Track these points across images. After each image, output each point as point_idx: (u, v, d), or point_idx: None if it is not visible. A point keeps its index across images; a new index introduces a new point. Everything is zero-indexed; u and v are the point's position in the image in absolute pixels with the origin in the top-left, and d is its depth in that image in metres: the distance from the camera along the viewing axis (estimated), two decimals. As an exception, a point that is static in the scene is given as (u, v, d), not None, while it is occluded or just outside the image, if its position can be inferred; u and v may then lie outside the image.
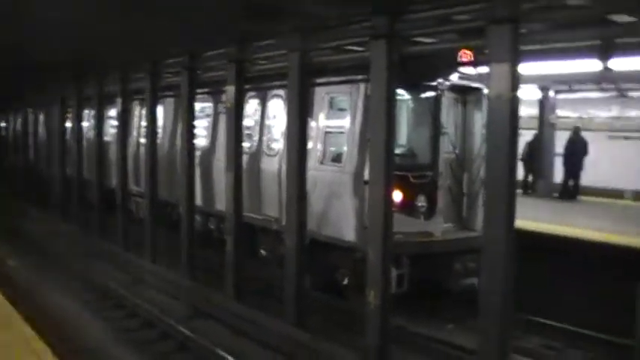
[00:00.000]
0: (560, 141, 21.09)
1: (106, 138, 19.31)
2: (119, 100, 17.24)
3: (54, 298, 14.18)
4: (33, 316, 9.59)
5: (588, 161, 20.54)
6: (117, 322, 12.62)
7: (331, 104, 12.31)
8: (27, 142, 28.19)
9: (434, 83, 11.94)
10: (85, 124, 21.12)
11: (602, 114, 25.34)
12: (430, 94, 12.10)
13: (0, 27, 12.58)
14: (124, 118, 17.36)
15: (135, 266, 15.63)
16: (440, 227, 11.90)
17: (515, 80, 7.48)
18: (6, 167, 31.94)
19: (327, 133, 12.23)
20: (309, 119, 11.40)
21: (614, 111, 24.78)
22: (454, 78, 12.13)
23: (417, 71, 10.97)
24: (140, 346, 11.27)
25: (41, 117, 26.47)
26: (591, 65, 11.83)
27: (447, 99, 12.25)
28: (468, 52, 11.11)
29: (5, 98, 29.91)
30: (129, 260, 16.08)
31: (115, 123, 18.45)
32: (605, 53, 10.68)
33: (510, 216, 7.62)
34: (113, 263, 16.48)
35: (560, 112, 22.07)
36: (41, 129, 26.54)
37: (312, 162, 11.66)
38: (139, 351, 11.03)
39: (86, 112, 21.01)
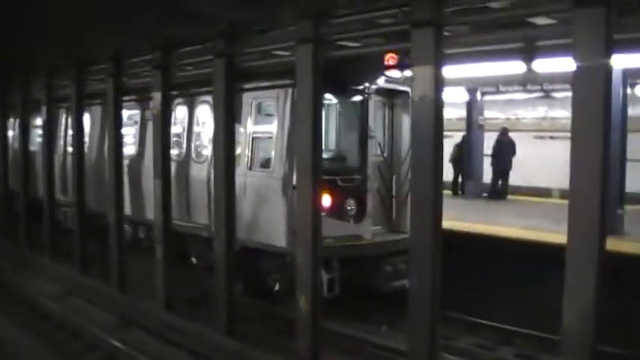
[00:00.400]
0: (489, 142, 21.48)
1: (32, 147, 18.85)
2: (44, 108, 16.82)
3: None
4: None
5: (516, 161, 20.97)
6: (44, 334, 12.29)
7: (259, 109, 12.28)
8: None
9: (361, 87, 12.01)
10: (10, 132, 20.53)
11: (529, 114, 25.97)
12: (357, 97, 12.17)
13: None
14: (50, 127, 16.95)
15: (63, 277, 15.26)
16: (369, 230, 11.98)
17: (439, 83, 7.57)
18: None
19: (255, 138, 12.18)
20: (236, 125, 11.31)
21: (540, 111, 25.41)
22: (381, 82, 12.22)
23: (344, 75, 11.04)
24: (68, 358, 11.01)
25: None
26: (516, 67, 12.10)
27: (375, 102, 12.33)
28: (394, 55, 11.24)
29: None
30: (57, 271, 15.69)
31: (40, 132, 18.01)
32: (528, 55, 10.93)
33: (437, 217, 7.70)
34: (41, 275, 16.05)
35: (487, 114, 22.49)
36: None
37: (240, 168, 11.60)
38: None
39: (11, 120, 20.44)
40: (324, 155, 10.45)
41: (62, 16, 10.56)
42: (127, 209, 14.45)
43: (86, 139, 16.11)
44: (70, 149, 16.83)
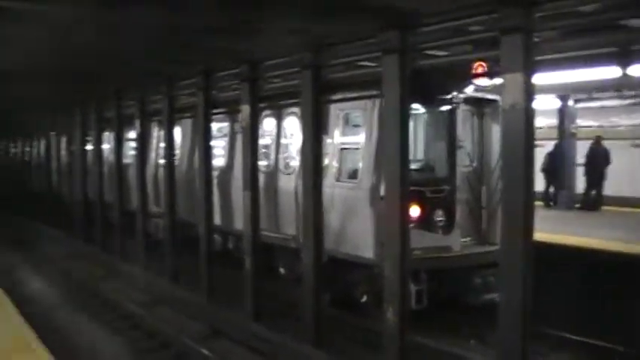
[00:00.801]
0: (582, 150, 20.85)
1: (126, 160, 19.45)
2: (137, 122, 17.34)
3: (75, 318, 14.20)
4: (51, 337, 9.60)
5: (611, 170, 20.27)
6: (135, 343, 12.57)
7: (346, 120, 12.28)
8: (49, 165, 28.37)
9: (449, 96, 11.85)
10: (105, 146, 21.23)
11: (625, 122, 25.04)
12: (445, 107, 12.02)
13: (18, 52, 12.76)
14: (143, 140, 17.43)
15: (154, 286, 15.61)
16: (458, 242, 11.78)
17: (530, 90, 7.38)
18: (30, 192, 32.12)
19: (342, 149, 12.18)
20: (324, 136, 11.35)
21: (636, 118, 24.46)
22: (469, 90, 12.03)
23: (431, 85, 10.92)
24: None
25: (63, 140, 26.66)
26: (610, 72, 11.70)
27: (463, 112, 12.15)
28: (483, 63, 11.03)
29: (29, 123, 30.23)
30: (149, 281, 16.06)
31: (134, 145, 18.58)
32: (623, 60, 10.56)
33: (528, 228, 7.50)
34: (133, 284, 16.47)
35: (580, 122, 21.84)
36: (63, 152, 26.73)
37: (328, 179, 11.63)
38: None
39: (106, 134, 21.14)
40: (412, 166, 10.35)
41: (156, 36, 10.89)
42: (217, 220, 14.67)
43: (177, 151, 16.48)
44: (161, 161, 17.25)
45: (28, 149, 33.28)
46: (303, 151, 10.93)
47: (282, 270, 14.10)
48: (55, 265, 20.36)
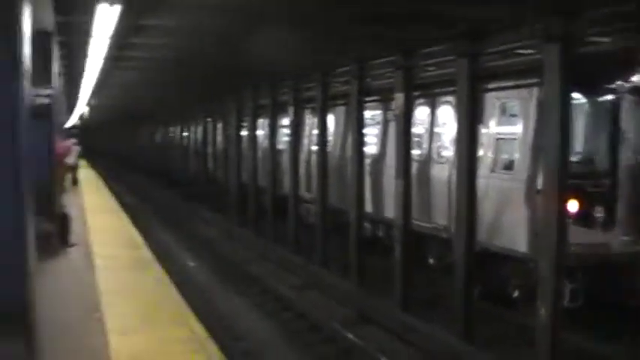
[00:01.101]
0: None
1: (279, 146, 19.94)
2: (291, 109, 17.71)
3: (227, 298, 14.73)
4: (206, 314, 10.00)
5: None
6: (285, 324, 12.88)
7: (502, 110, 11.96)
8: (205, 150, 29.52)
9: (612, 85, 11.27)
10: (259, 132, 21.83)
11: None
12: (608, 96, 11.45)
13: (180, 41, 13.35)
14: (296, 127, 17.78)
15: (303, 270, 15.91)
16: (619, 239, 11.19)
17: None
18: (187, 175, 33.55)
19: (498, 139, 11.89)
20: (479, 126, 11.13)
21: None
22: (637, 79, 11.38)
23: (594, 73, 10.43)
24: (306, 348, 11.44)
25: (219, 126, 27.65)
26: None
27: (628, 102, 11.51)
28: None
29: (187, 108, 31.60)
30: (297, 264, 16.39)
31: (287, 131, 19.01)
32: None
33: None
34: (284, 267, 16.86)
35: None
36: (219, 138, 27.72)
37: (482, 170, 11.38)
38: (304, 353, 11.19)
39: (260, 121, 21.73)
40: (572, 158, 9.93)
41: (312, 25, 11.05)
42: (368, 207, 14.74)
43: (329, 138, 16.69)
44: (313, 148, 17.53)
45: (185, 134, 34.76)
46: (458, 141, 10.77)
47: (431, 260, 13.98)
48: (209, 246, 21.17)
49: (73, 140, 26.61)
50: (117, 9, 8.54)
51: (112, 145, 66.52)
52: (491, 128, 12.00)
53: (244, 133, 22.84)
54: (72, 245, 10.61)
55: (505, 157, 11.84)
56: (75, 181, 24.02)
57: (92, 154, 49.04)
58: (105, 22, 9.47)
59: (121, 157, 60.86)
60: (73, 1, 9.42)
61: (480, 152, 11.35)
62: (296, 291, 14.66)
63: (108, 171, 43.97)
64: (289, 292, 14.53)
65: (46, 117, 10.84)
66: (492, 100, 11.97)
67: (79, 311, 6.85)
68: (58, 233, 10.26)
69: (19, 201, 3.99)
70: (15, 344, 4.00)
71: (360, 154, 14.09)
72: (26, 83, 4.15)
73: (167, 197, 34.00)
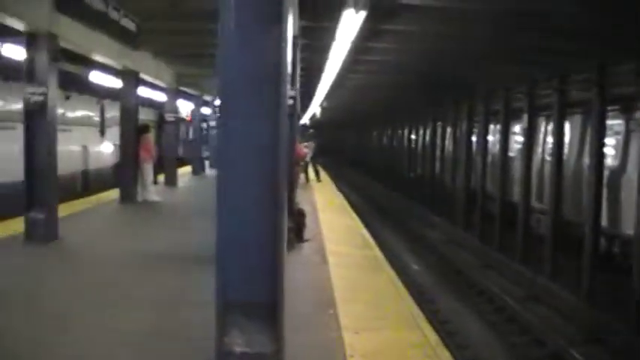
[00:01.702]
0: None
1: (511, 153, 19.53)
2: (525, 116, 17.30)
3: (449, 304, 14.70)
4: (429, 319, 10.03)
5: None
6: (507, 336, 12.62)
7: None
8: (433, 153, 29.52)
9: None
10: (490, 138, 21.51)
11: None
12: None
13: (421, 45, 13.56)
14: (530, 134, 17.32)
15: (530, 282, 15.45)
16: None
17: None
18: (413, 177, 33.75)
19: None
20: None
21: None
22: None
23: None
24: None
25: (448, 130, 27.55)
26: None
27: None
28: None
29: (414, 112, 31.89)
30: (524, 275, 15.94)
31: (519, 139, 18.58)
32: None
33: None
34: (508, 276, 16.49)
35: None
36: (447, 142, 27.62)
37: None
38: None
39: (491, 127, 21.40)
40: None
41: (552, 28, 10.75)
42: (603, 221, 14.01)
43: (565, 147, 16.06)
44: (547, 157, 16.99)
45: (413, 137, 34.98)
46: None
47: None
48: (432, 249, 21.22)
49: (310, 142, 27.73)
50: (362, 15, 8.82)
51: (337, 144, 68.58)
52: None
53: (474, 138, 22.63)
54: (306, 241, 11.08)
55: None
56: (307, 179, 25.05)
57: (320, 153, 50.88)
58: (348, 26, 9.77)
59: (345, 156, 62.59)
60: (320, 8, 9.89)
61: None
62: (520, 302, 14.30)
63: (334, 169, 45.39)
64: (513, 304, 14.21)
65: (290, 117, 11.41)
66: None
67: (314, 306, 7.14)
68: (295, 229, 10.74)
69: (277, 196, 4.27)
70: (265, 335, 4.28)
71: (599, 165, 13.42)
72: (287, 85, 4.41)
73: (391, 198, 34.49)
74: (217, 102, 18.56)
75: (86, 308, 6.84)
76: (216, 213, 4.28)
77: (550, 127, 16.72)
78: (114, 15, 8.93)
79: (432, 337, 6.24)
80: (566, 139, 16.32)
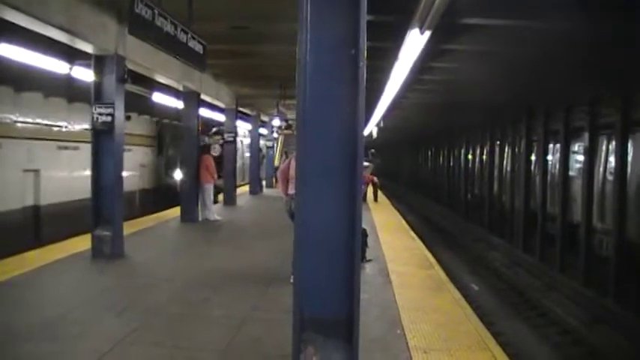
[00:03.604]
0: None
1: (570, 172, 19.25)
2: (586, 135, 17.08)
3: (512, 325, 14.53)
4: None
5: None
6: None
7: None
8: (492, 174, 29.23)
9: None
10: (549, 158, 21.25)
11: None
12: None
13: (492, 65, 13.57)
14: (591, 154, 17.08)
15: (594, 303, 15.19)
16: None
17: None
18: (470, 198, 33.46)
19: None
20: None
21: None
22: None
23: None
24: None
25: (507, 150, 27.27)
26: None
27: None
28: None
29: (471, 132, 31.72)
30: (587, 297, 15.68)
31: (579, 158, 18.34)
32: None
33: None
34: (571, 298, 16.23)
35: None
36: (505, 162, 27.33)
37: None
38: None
39: (551, 146, 21.15)
40: None
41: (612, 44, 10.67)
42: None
43: (629, 167, 15.78)
44: (609, 177, 16.71)
45: (470, 157, 34.69)
46: None
47: None
48: (492, 270, 21.00)
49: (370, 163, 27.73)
50: (426, 35, 8.85)
51: (392, 164, 68.42)
52: None
53: (533, 158, 22.38)
54: (369, 260, 11.10)
55: None
56: (365, 198, 25.03)
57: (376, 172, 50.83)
58: (412, 46, 9.80)
59: (401, 176, 62.39)
60: (386, 29, 9.99)
61: None
62: (585, 325, 14.07)
63: (389, 189, 45.24)
64: (578, 326, 13.99)
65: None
66: None
67: (382, 326, 7.17)
68: (358, 248, 10.78)
69: (354, 216, 4.35)
70: (341, 353, 4.34)
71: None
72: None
73: (448, 218, 34.24)
74: (294, 124, 18.86)
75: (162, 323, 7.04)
76: (294, 232, 4.38)
77: (612, 146, 16.45)
78: (182, 37, 9.15)
79: (502, 358, 6.22)
80: (630, 158, 16.07)
